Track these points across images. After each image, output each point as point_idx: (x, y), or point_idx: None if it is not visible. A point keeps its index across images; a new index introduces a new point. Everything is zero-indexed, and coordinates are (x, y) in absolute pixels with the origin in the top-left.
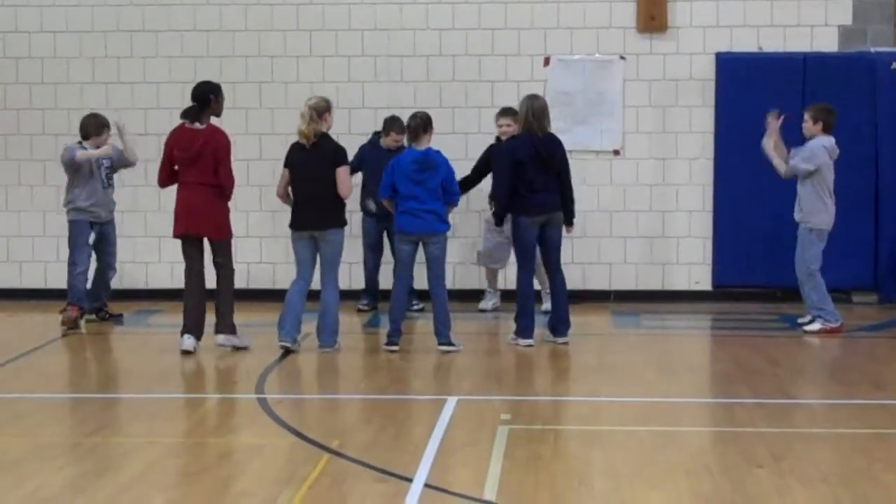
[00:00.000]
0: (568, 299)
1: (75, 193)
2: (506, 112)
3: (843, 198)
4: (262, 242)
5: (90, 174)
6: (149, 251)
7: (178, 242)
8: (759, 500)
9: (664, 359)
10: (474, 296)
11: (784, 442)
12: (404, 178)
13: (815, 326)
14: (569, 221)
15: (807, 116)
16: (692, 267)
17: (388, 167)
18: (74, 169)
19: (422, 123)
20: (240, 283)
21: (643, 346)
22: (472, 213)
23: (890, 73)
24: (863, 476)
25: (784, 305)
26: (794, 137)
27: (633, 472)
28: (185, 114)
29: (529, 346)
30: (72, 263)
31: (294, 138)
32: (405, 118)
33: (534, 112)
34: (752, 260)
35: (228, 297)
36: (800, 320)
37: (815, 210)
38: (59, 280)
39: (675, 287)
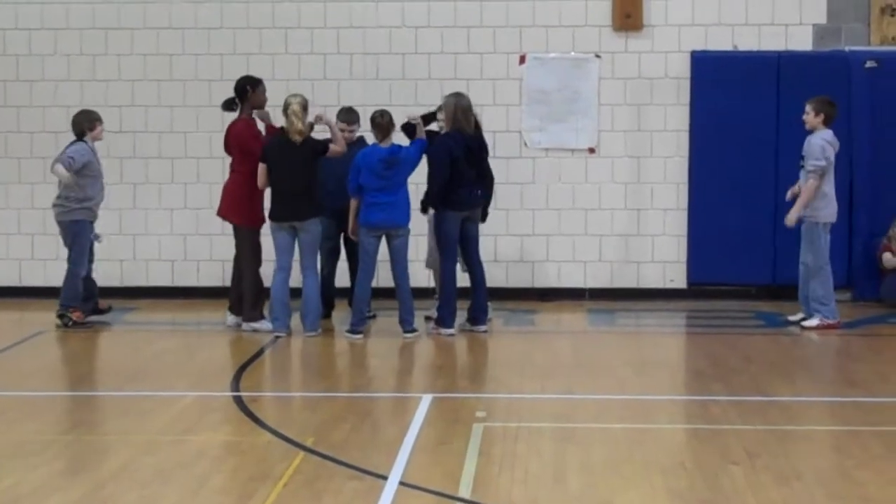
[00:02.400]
0: (486, 290)
1: (86, 192)
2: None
3: None
4: None
5: (99, 171)
6: (123, 249)
7: (151, 241)
8: (734, 497)
9: (639, 356)
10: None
11: (759, 439)
12: (371, 174)
13: (814, 322)
14: (485, 216)
15: (808, 108)
16: (667, 265)
17: (353, 166)
18: (81, 167)
19: (391, 122)
20: (217, 279)
21: (618, 344)
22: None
23: (864, 71)
24: (837, 473)
25: (759, 303)
26: (766, 139)
27: (609, 469)
28: (222, 105)
29: (451, 335)
30: (78, 267)
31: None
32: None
33: (462, 110)
34: (726, 258)
35: (245, 282)
36: (790, 318)
37: (821, 204)
38: (32, 278)
39: (649, 285)
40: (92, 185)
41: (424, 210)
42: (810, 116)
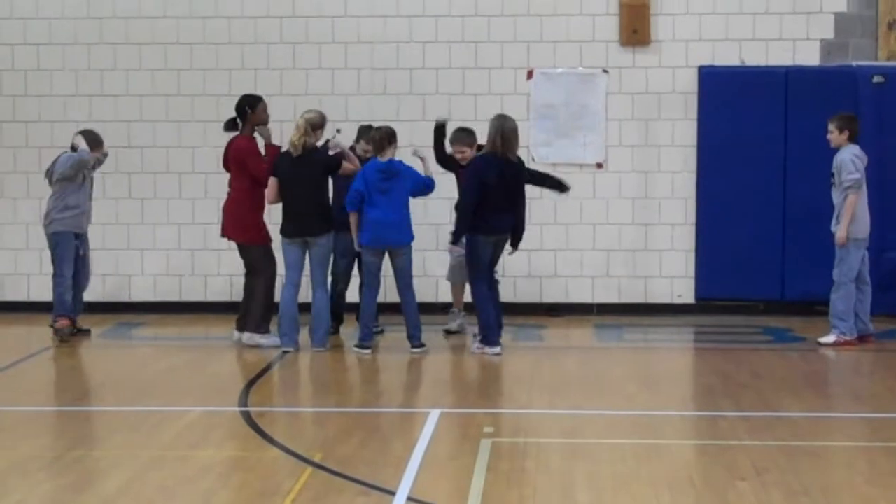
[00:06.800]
0: (501, 307)
1: (66, 203)
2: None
3: (825, 210)
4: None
5: (83, 183)
6: (131, 264)
7: (159, 256)
8: None
9: (647, 372)
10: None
11: (767, 455)
12: (370, 186)
13: (831, 338)
14: (516, 244)
15: (832, 127)
16: (675, 280)
17: (356, 180)
18: (73, 176)
19: (385, 136)
20: (225, 294)
21: (626, 360)
22: (428, 227)
23: (871, 87)
24: (845, 489)
25: (767, 318)
26: (774, 154)
27: (617, 486)
28: (224, 125)
29: (497, 354)
30: (60, 276)
31: (283, 148)
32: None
33: (503, 133)
34: (734, 273)
35: (256, 300)
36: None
37: (853, 219)
38: (41, 293)
39: (657, 300)
40: (73, 194)
41: (455, 241)
42: (835, 135)
